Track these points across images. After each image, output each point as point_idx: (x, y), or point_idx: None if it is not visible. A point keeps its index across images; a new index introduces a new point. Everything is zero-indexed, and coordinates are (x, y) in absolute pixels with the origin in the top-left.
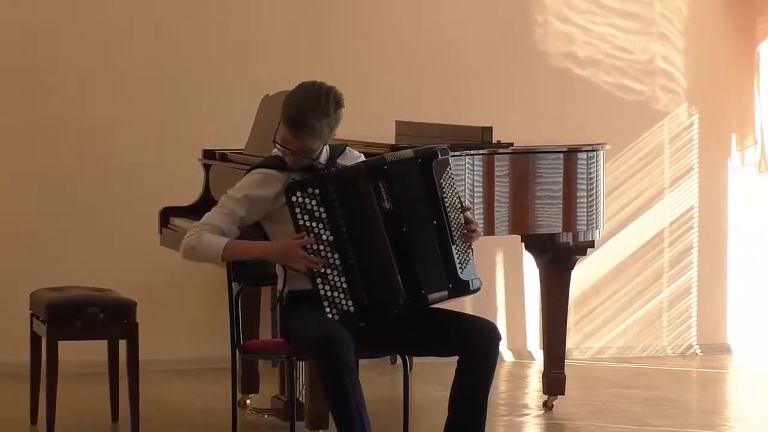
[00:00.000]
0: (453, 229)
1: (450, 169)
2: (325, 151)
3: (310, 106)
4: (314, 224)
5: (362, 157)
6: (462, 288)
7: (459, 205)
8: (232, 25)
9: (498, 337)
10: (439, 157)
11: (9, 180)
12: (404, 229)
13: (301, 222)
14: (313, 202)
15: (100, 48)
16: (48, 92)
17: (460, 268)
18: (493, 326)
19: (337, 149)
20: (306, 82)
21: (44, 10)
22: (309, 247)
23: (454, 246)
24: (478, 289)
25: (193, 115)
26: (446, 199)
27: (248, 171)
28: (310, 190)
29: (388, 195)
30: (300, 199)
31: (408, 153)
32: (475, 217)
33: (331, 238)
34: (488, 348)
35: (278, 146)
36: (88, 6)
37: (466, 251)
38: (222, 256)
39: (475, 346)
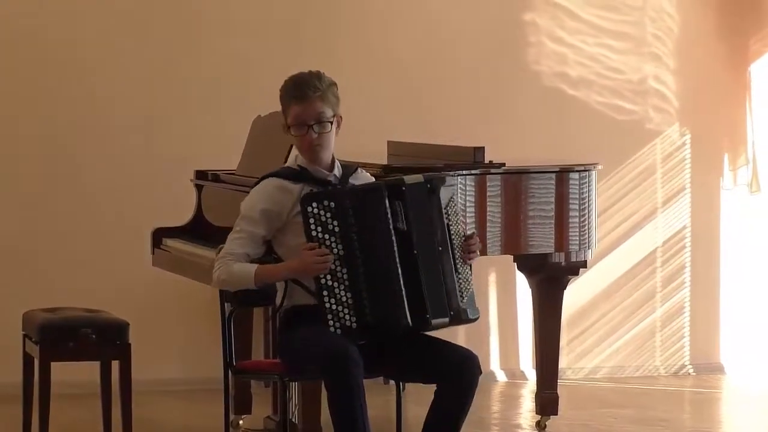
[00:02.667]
0: (456, 257)
1: (455, 195)
2: (338, 168)
3: (307, 75)
4: (327, 236)
5: (373, 180)
6: (462, 317)
7: (462, 232)
8: (225, 45)
9: (477, 369)
10: (446, 183)
11: (1, 200)
12: (415, 252)
13: (314, 233)
14: (328, 215)
15: (92, 67)
16: (39, 113)
17: (461, 296)
18: (474, 357)
19: (350, 168)
20: None
21: (40, 20)
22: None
23: (457, 274)
24: (476, 319)
25: (186, 136)
26: (451, 227)
27: (261, 179)
28: (326, 203)
29: (403, 216)
30: (315, 210)
31: (418, 177)
32: None
33: (342, 252)
34: (467, 380)
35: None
36: (82, 21)
37: (467, 280)
38: (254, 283)
39: (453, 377)
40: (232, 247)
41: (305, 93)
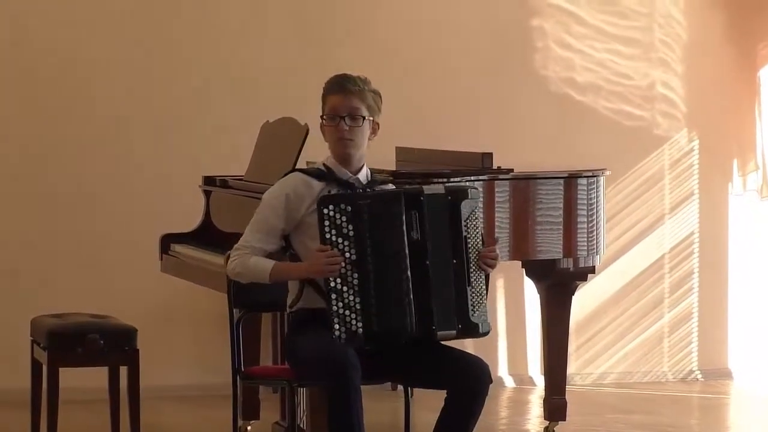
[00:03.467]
0: (471, 270)
1: (478, 210)
2: (366, 173)
3: (352, 75)
4: (340, 240)
5: None
6: (471, 330)
7: (481, 246)
8: (233, 52)
9: (488, 378)
10: (469, 197)
11: (9, 206)
12: (427, 262)
13: (328, 236)
14: (344, 219)
15: (101, 74)
16: (48, 118)
17: (472, 310)
18: (485, 366)
19: (379, 178)
20: None
21: (42, 20)
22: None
23: (470, 287)
24: (486, 333)
25: (194, 142)
26: (469, 240)
27: (286, 174)
28: (342, 206)
29: (418, 225)
30: (331, 213)
31: (439, 188)
32: None
33: (354, 257)
34: (477, 389)
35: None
36: (84, 21)
37: (480, 294)
38: (269, 280)
39: (464, 386)
40: (250, 240)
41: (344, 87)
